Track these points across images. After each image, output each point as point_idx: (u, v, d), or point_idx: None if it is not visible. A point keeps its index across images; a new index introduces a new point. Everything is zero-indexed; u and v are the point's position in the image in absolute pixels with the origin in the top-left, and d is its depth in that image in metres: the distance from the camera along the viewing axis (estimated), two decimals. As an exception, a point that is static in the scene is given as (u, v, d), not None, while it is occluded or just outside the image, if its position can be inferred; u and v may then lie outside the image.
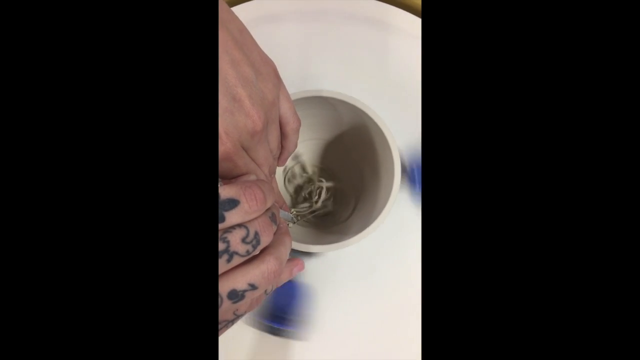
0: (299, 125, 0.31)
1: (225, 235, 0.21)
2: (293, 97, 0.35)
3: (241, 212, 0.21)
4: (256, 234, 0.22)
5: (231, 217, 0.21)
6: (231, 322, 0.24)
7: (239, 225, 0.21)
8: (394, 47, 0.44)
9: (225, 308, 0.21)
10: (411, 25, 0.44)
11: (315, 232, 0.42)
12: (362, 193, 0.42)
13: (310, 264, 0.40)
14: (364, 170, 0.42)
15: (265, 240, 0.22)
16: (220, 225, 0.21)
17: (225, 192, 0.21)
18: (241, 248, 0.21)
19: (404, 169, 0.40)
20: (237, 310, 0.23)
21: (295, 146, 0.33)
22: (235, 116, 0.23)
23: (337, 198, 0.43)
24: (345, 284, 0.40)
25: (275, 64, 0.29)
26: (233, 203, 0.21)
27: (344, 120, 0.39)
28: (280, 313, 0.39)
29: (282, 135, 0.31)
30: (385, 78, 0.44)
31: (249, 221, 0.22)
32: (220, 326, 0.23)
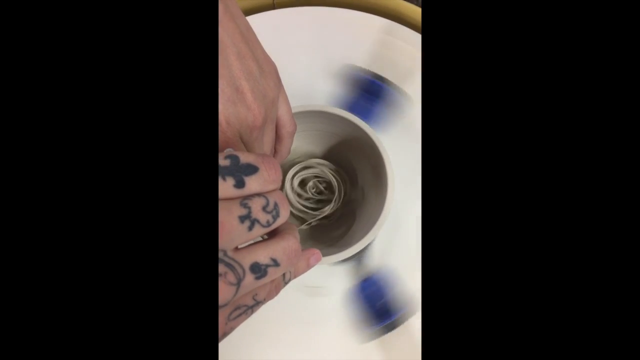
0: (295, 129, 0.31)
1: (246, 201, 0.20)
2: (298, 110, 0.36)
3: (260, 179, 0.20)
4: (275, 204, 0.21)
5: (251, 184, 0.20)
6: (250, 308, 0.22)
7: (258, 194, 0.21)
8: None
9: (247, 284, 0.20)
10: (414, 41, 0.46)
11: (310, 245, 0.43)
12: (358, 209, 0.43)
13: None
14: (360, 184, 0.43)
15: (283, 215, 0.22)
16: (240, 192, 0.20)
17: (244, 157, 0.20)
18: (262, 216, 0.20)
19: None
20: (256, 295, 0.22)
21: (289, 152, 0.33)
22: (237, 107, 0.24)
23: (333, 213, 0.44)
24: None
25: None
26: (253, 169, 0.20)
27: (340, 134, 0.40)
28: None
29: (277, 138, 0.31)
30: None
31: (268, 192, 0.21)
32: (239, 312, 0.21)
